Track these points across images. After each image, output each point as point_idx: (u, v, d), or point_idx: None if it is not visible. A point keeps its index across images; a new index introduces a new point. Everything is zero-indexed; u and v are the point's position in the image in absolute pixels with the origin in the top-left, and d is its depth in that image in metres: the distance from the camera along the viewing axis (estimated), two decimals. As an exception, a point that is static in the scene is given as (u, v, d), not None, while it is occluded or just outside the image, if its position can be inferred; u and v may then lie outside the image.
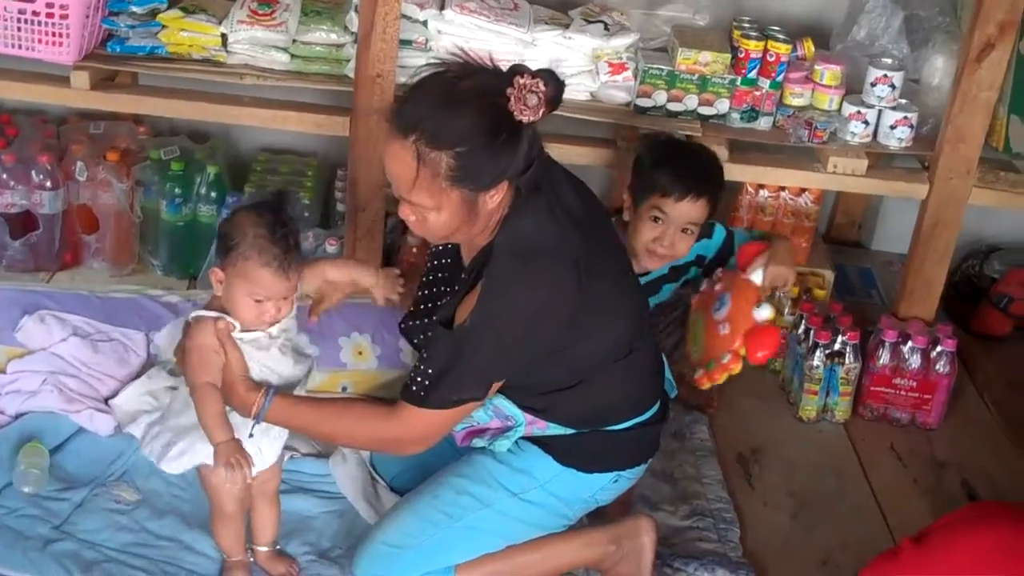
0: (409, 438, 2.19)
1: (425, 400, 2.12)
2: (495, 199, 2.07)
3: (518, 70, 2.02)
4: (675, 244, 2.69)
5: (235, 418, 2.17)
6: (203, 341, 2.16)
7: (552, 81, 2.01)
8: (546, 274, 2.10)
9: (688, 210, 2.66)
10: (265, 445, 2.25)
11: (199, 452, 2.21)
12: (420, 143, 1.99)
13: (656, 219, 2.67)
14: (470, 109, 1.99)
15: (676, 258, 2.74)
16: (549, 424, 2.30)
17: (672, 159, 2.72)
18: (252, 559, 2.39)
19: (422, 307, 2.38)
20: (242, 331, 2.18)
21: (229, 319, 2.16)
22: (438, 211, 2.05)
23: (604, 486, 2.35)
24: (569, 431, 2.30)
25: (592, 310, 2.16)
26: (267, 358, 2.21)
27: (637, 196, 2.72)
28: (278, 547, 2.41)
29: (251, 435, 2.20)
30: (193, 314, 2.21)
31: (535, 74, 2.01)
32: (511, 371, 2.17)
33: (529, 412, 2.29)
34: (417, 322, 2.36)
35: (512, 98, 1.99)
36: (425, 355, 2.15)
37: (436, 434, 2.19)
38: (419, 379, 2.13)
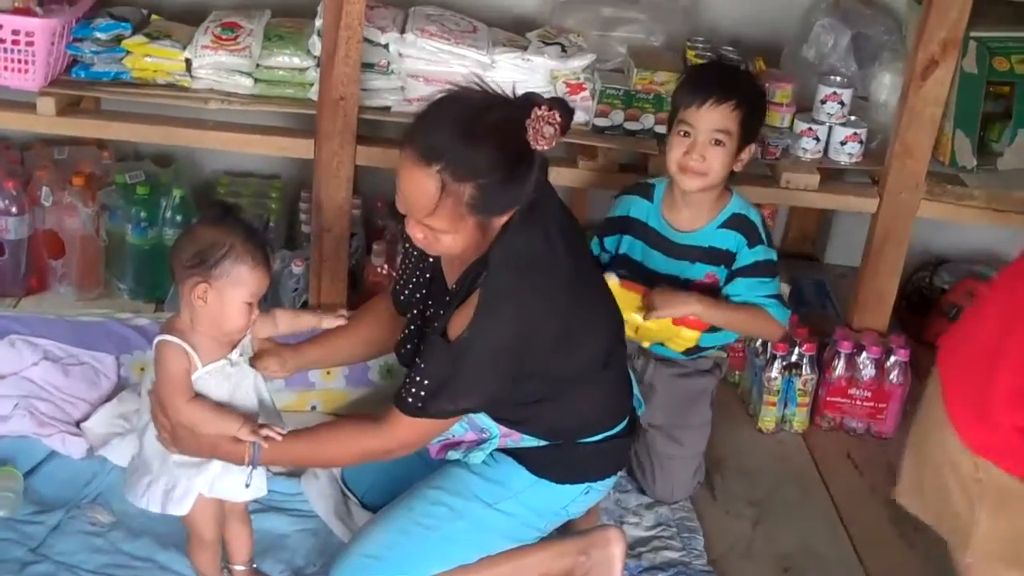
0: (400, 445, 2.25)
1: (423, 411, 2.18)
2: (502, 221, 2.14)
3: (534, 100, 2.08)
4: (705, 156, 2.63)
5: (231, 468, 2.24)
6: (177, 367, 2.18)
7: (566, 111, 2.09)
8: (541, 289, 2.16)
9: (711, 116, 2.62)
10: (256, 477, 2.29)
11: (197, 484, 2.25)
12: (444, 173, 2.04)
13: (685, 133, 2.65)
14: (494, 141, 2.05)
15: (711, 177, 2.66)
16: (523, 436, 2.35)
17: (692, 74, 2.77)
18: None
19: (411, 328, 2.42)
20: (205, 365, 2.20)
21: (191, 353, 2.18)
22: (453, 235, 2.10)
23: (576, 498, 2.41)
24: (542, 443, 2.36)
25: (578, 324, 2.23)
26: (237, 389, 2.25)
27: (670, 125, 2.73)
28: (254, 565, 2.45)
29: (248, 485, 2.25)
30: (159, 338, 2.22)
31: (551, 105, 2.07)
32: (506, 382, 2.22)
33: (503, 424, 2.34)
34: (409, 346, 2.41)
35: (530, 128, 2.05)
36: (421, 365, 2.20)
37: (427, 440, 2.27)
38: (414, 390, 2.18)
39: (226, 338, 2.22)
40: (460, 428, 2.35)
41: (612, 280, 2.64)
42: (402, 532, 2.36)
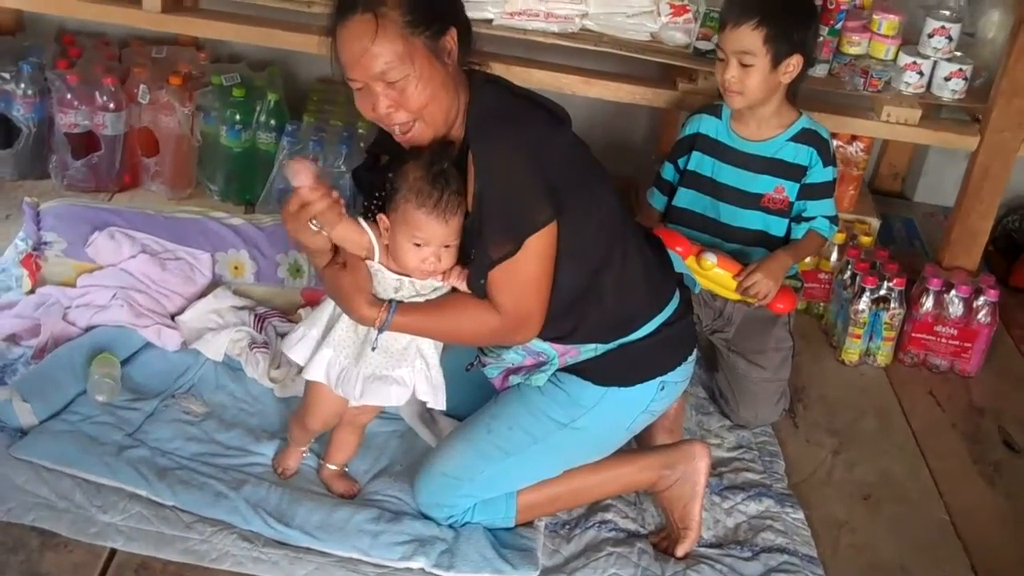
0: (510, 324, 2.22)
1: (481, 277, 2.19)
2: (452, 51, 2.15)
3: None
4: (737, 78, 2.69)
5: (361, 329, 2.27)
6: (346, 235, 2.22)
7: None
8: (525, 120, 2.18)
9: (733, 38, 2.68)
10: (369, 394, 2.30)
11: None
12: (366, 11, 2.07)
13: (723, 59, 2.72)
14: None
15: (748, 95, 2.71)
16: (580, 350, 2.33)
17: None
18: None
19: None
20: (379, 261, 2.23)
21: (375, 244, 2.22)
22: (412, 69, 2.09)
23: (653, 396, 2.37)
24: (599, 350, 2.33)
25: (581, 167, 2.23)
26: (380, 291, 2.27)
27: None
28: (346, 469, 2.50)
29: (374, 348, 2.27)
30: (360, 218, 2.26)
31: None
32: (535, 219, 2.15)
33: (558, 343, 2.32)
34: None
35: None
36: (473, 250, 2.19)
37: (526, 313, 2.21)
38: (477, 269, 2.19)
39: (403, 270, 2.23)
40: (518, 355, 2.35)
41: (710, 260, 2.69)
42: (483, 456, 2.37)
